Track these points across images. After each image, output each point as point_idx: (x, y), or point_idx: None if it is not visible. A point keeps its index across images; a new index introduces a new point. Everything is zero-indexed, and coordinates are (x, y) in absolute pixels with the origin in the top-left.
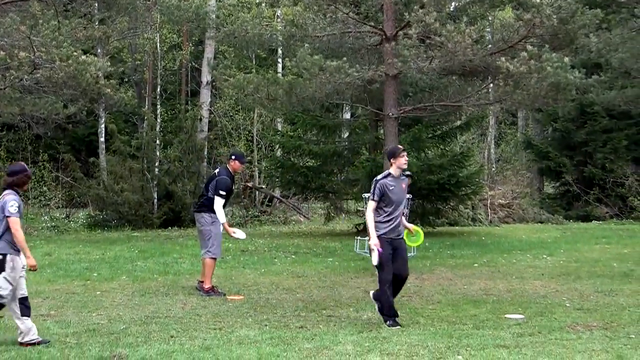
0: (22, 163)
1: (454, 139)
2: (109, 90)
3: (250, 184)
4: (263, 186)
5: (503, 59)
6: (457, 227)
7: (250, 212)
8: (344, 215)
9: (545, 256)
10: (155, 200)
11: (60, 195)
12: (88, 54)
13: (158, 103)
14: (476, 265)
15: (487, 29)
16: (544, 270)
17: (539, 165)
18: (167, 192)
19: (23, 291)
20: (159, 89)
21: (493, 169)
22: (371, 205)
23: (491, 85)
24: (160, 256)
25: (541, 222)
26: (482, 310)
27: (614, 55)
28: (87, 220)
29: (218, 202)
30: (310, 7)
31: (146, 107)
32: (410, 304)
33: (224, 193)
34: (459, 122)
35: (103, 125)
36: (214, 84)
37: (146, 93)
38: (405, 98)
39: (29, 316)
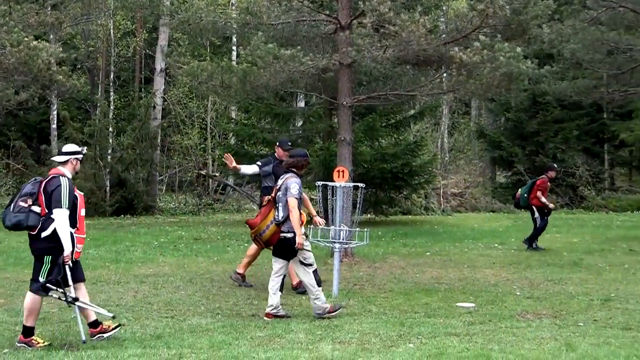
0: (304, 150)
1: (408, 128)
2: (61, 76)
3: (203, 172)
4: (216, 174)
5: (456, 48)
6: (409, 216)
7: (203, 200)
8: None
9: (496, 245)
10: (108, 188)
11: (11, 183)
12: (40, 40)
13: (111, 90)
14: (428, 254)
15: (441, 19)
16: (495, 259)
17: (491, 154)
18: (119, 180)
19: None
20: (112, 76)
21: (446, 158)
22: None
23: (445, 74)
24: (112, 244)
25: (493, 211)
26: (434, 298)
27: (566, 46)
28: None
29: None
30: None
31: (99, 94)
32: (362, 292)
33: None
34: (412, 112)
35: (55, 112)
36: (167, 71)
37: (99, 80)
38: (359, 87)
39: (281, 291)
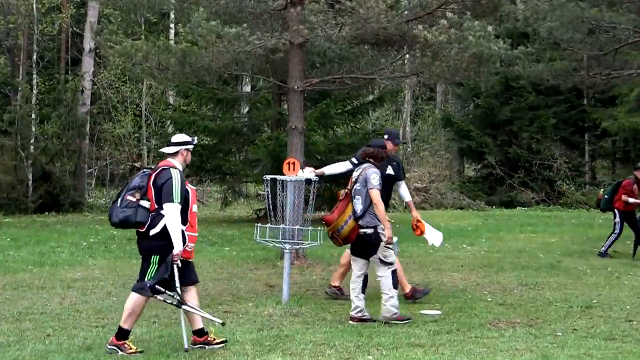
0: (382, 141)
1: (366, 115)
2: None
3: (138, 164)
4: (152, 167)
5: (420, 27)
6: None
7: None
8: (243, 199)
9: (465, 246)
10: (30, 182)
11: None
12: None
13: (34, 72)
14: None
15: None
16: (464, 262)
17: (459, 145)
18: (43, 172)
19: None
20: (35, 57)
21: (409, 149)
22: None
23: (407, 56)
24: (35, 245)
25: (461, 208)
26: None
27: (542, 24)
28: None
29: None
30: None
31: (20, 76)
32: (315, 298)
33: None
34: (371, 97)
35: None
36: (97, 51)
37: (20, 61)
38: (312, 69)
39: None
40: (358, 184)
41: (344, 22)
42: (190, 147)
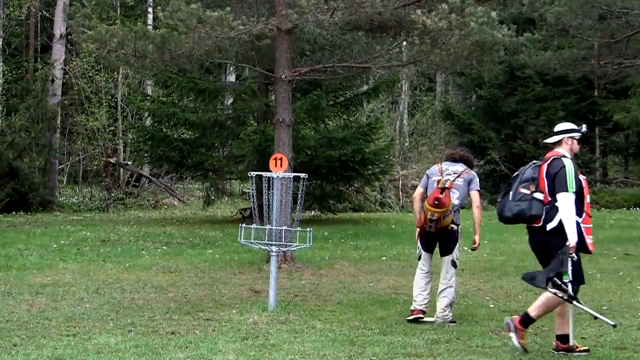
0: None
1: (360, 107)
2: None
3: (113, 160)
4: (129, 162)
5: (419, 11)
6: (362, 213)
7: (113, 194)
8: (226, 198)
9: (466, 248)
10: None
11: None
12: None
13: (0, 60)
14: (384, 258)
15: None
16: (465, 265)
17: (460, 139)
18: (10, 169)
19: None
20: (0, 43)
21: (406, 144)
22: None
23: (404, 43)
24: (1, 247)
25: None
26: (391, 312)
27: (550, 9)
28: None
29: None
30: None
31: None
32: (304, 304)
33: None
34: (365, 88)
35: None
36: (69, 37)
37: None
38: (301, 57)
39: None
40: (461, 179)
41: (336, 6)
42: (576, 135)
